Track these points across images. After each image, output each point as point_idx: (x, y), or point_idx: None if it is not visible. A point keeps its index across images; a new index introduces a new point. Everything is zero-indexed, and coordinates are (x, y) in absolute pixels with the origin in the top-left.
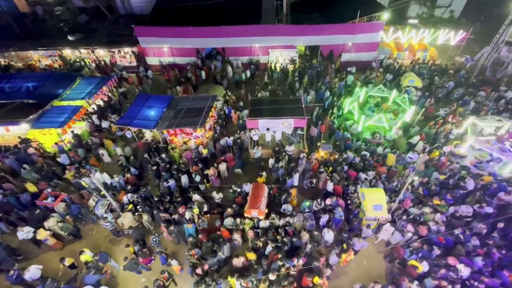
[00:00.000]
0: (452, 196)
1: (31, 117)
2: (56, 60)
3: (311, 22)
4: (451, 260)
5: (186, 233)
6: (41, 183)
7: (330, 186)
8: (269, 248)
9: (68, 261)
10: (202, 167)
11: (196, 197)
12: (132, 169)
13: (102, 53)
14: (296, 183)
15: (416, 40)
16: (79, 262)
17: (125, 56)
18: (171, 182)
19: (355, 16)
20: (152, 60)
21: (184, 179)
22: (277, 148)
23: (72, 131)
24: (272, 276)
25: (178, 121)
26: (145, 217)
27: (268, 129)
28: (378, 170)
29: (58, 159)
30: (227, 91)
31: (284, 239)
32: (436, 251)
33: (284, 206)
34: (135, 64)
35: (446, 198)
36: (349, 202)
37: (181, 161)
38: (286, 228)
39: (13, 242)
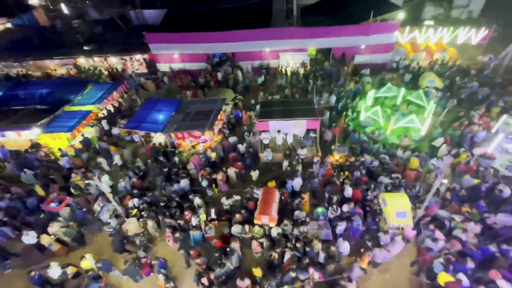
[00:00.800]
0: (486, 203)
1: (42, 121)
2: (71, 69)
3: (323, 24)
4: (493, 274)
5: (192, 240)
6: (53, 186)
7: (348, 191)
8: (286, 256)
9: (71, 270)
10: (210, 172)
11: (197, 200)
12: (131, 173)
13: (114, 61)
14: (297, 188)
15: (434, 39)
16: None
17: (142, 63)
18: (176, 186)
19: (368, 16)
20: (163, 67)
21: (184, 183)
22: (288, 152)
23: (83, 135)
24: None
25: (186, 124)
26: (150, 223)
27: (279, 131)
28: (407, 174)
29: (60, 162)
30: (237, 95)
31: (298, 245)
32: (470, 264)
33: (296, 213)
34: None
35: (479, 205)
36: (368, 209)
37: (187, 166)
38: (299, 237)
39: (18, 248)
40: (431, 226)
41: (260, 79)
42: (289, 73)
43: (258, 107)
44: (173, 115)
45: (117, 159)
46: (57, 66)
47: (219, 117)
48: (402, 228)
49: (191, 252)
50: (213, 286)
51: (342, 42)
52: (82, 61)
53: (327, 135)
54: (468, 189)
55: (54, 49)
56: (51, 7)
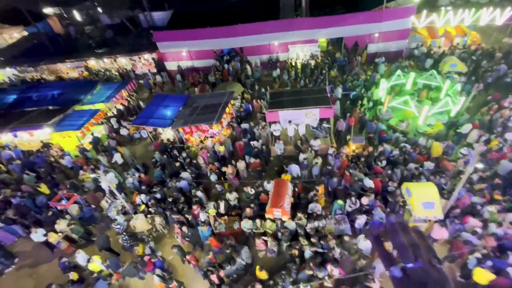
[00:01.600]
0: None
1: (52, 121)
2: (83, 72)
3: (333, 14)
4: None
5: (201, 237)
6: (62, 183)
7: (368, 182)
8: (307, 253)
9: (73, 276)
10: (219, 166)
11: (199, 194)
12: (132, 170)
13: (123, 62)
14: (294, 174)
15: (454, 22)
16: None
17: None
18: (183, 182)
19: (381, 2)
20: (171, 65)
21: (185, 175)
22: (299, 143)
23: (92, 134)
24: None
25: (193, 118)
26: (158, 219)
27: (290, 121)
28: (444, 165)
29: (62, 161)
30: (246, 89)
31: (314, 240)
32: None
33: (311, 206)
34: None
35: None
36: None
37: (194, 161)
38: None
39: (29, 247)
40: (467, 218)
41: (276, 72)
42: (299, 65)
43: (268, 95)
44: (181, 110)
45: (117, 157)
46: (69, 70)
47: (227, 110)
48: (430, 221)
49: (188, 256)
50: (223, 285)
51: (354, 31)
52: (92, 63)
53: (341, 125)
54: (507, 175)
55: (66, 54)
56: (65, 15)
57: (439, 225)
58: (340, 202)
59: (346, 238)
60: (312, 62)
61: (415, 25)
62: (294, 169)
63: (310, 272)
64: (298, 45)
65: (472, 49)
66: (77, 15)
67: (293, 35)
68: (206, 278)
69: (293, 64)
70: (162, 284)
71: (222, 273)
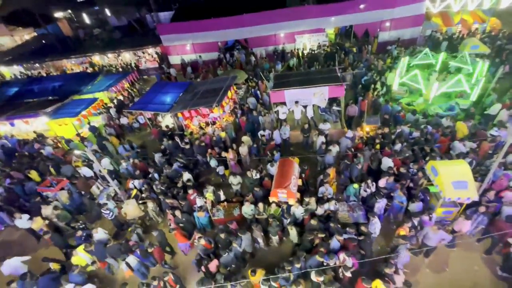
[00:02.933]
0: None
1: (49, 109)
2: (87, 68)
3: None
4: None
5: (197, 224)
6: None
7: (388, 162)
8: (334, 243)
9: (53, 266)
10: (220, 152)
11: (186, 175)
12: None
13: (128, 57)
14: (331, 160)
15: (472, 6)
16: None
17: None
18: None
19: None
20: (174, 59)
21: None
22: (306, 126)
23: (89, 123)
24: (314, 277)
25: (193, 102)
26: (151, 205)
27: (297, 102)
28: (482, 146)
29: (42, 151)
30: (250, 77)
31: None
32: None
33: (321, 189)
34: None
35: None
36: (411, 185)
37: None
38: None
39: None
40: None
41: (292, 61)
42: (302, 56)
43: (272, 76)
44: (181, 96)
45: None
46: (74, 66)
47: (229, 94)
48: (462, 205)
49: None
50: (218, 273)
51: (364, 18)
52: (97, 59)
53: (353, 111)
54: None
55: (72, 51)
56: (75, 18)
57: (463, 217)
58: (356, 186)
59: (363, 228)
60: (322, 52)
61: (429, 10)
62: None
63: (321, 259)
64: (305, 35)
65: (493, 34)
66: (86, 18)
67: (300, 24)
68: (198, 267)
69: (300, 54)
70: (129, 271)
71: (215, 262)
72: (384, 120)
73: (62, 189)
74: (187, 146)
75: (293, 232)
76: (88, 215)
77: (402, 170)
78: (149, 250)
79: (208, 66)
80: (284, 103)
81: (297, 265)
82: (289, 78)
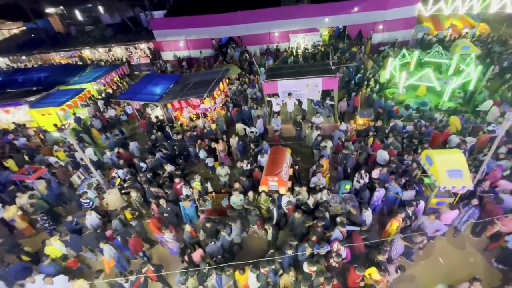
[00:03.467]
0: None
1: (32, 98)
2: (76, 62)
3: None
4: None
5: (183, 214)
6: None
7: (383, 155)
8: (336, 233)
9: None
10: (209, 143)
11: (169, 167)
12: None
13: (119, 52)
14: (328, 152)
15: (462, 10)
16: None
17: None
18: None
19: None
20: (167, 55)
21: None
22: (299, 119)
23: (74, 113)
24: (307, 267)
25: (183, 93)
26: (134, 194)
27: (289, 94)
28: (480, 138)
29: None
30: (243, 72)
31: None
32: None
33: (313, 180)
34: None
35: None
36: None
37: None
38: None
39: None
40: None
41: (290, 59)
42: (300, 55)
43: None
44: (171, 87)
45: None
46: (62, 59)
47: (221, 87)
48: (456, 195)
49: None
50: (202, 262)
51: (358, 19)
52: (87, 53)
53: (344, 106)
54: None
55: (61, 45)
56: (67, 15)
57: (448, 207)
58: (347, 187)
59: (353, 210)
60: (316, 51)
61: (421, 13)
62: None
63: (309, 250)
64: (299, 34)
65: (483, 38)
66: (79, 15)
67: (294, 23)
68: (182, 257)
69: (294, 53)
70: (111, 262)
71: (199, 252)
72: (378, 114)
73: (41, 178)
74: (179, 136)
75: (270, 231)
76: (67, 208)
77: (392, 158)
78: (126, 238)
79: (204, 62)
80: (277, 95)
81: (289, 252)
82: (282, 70)
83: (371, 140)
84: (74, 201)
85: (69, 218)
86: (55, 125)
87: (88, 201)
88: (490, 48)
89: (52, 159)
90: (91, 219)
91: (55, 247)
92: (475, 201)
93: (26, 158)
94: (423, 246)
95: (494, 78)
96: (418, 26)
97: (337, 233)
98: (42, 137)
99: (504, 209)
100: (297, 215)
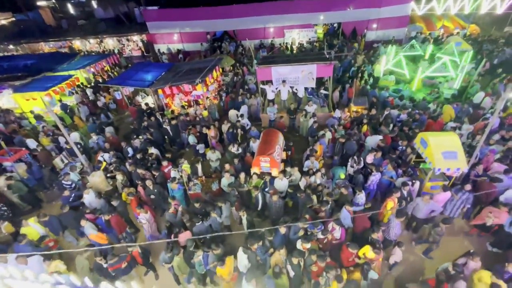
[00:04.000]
0: None
1: (17, 82)
2: (67, 52)
3: None
4: None
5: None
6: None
7: (372, 140)
8: (345, 213)
9: (5, 228)
10: (201, 129)
11: (154, 150)
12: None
13: (111, 43)
14: (325, 141)
15: (454, 10)
16: None
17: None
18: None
19: None
20: (161, 48)
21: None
22: (292, 107)
23: (60, 100)
24: (300, 245)
25: (175, 79)
26: (120, 177)
27: (284, 81)
28: (477, 125)
29: None
30: (237, 65)
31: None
32: None
33: (307, 163)
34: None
35: None
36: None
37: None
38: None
39: None
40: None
41: (287, 52)
42: (295, 50)
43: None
44: (163, 75)
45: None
46: (52, 50)
47: (214, 75)
48: (451, 179)
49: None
50: (189, 240)
51: (352, 16)
52: (77, 43)
53: (335, 96)
54: None
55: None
56: (58, 8)
57: (442, 188)
58: (342, 176)
59: (344, 191)
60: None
61: (414, 11)
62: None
63: (305, 225)
64: (294, 30)
65: (473, 37)
66: (71, 9)
67: (289, 18)
68: (168, 236)
69: (289, 48)
70: (100, 234)
71: (186, 234)
72: (372, 103)
73: (21, 161)
74: (173, 122)
75: (244, 220)
76: (48, 194)
77: (381, 143)
78: (106, 218)
79: (201, 56)
80: (271, 82)
81: (282, 231)
82: (275, 58)
83: (365, 128)
84: (56, 185)
85: (66, 192)
86: (31, 111)
87: (70, 183)
88: (481, 45)
89: (32, 143)
90: (89, 197)
91: (32, 228)
92: (468, 186)
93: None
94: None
95: (484, 75)
96: (411, 25)
97: (345, 212)
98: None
99: (499, 190)
100: (274, 198)
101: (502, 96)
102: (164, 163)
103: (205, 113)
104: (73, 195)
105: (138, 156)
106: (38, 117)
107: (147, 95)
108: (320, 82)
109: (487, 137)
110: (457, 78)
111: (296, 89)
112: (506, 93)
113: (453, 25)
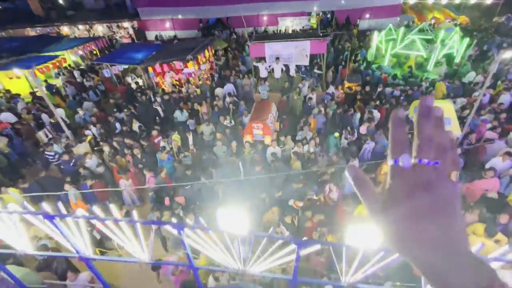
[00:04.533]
0: None
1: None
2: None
3: None
4: None
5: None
6: None
7: (376, 114)
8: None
9: None
10: (192, 106)
11: (137, 124)
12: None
13: (100, 30)
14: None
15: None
16: None
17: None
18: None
19: None
20: (152, 35)
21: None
22: (286, 85)
23: (46, 81)
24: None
25: (166, 56)
26: (107, 149)
27: (277, 58)
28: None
29: None
30: (230, 48)
31: None
32: None
33: (300, 133)
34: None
35: None
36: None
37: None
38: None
39: None
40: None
41: None
42: None
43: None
44: (154, 54)
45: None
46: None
47: (206, 55)
48: None
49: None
50: (175, 202)
51: (346, 4)
52: (65, 30)
53: (329, 76)
54: None
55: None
56: None
57: None
58: (336, 134)
59: (335, 159)
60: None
61: (407, 3)
62: None
63: (299, 185)
64: (288, 18)
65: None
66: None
67: (283, 5)
68: (156, 202)
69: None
70: (79, 203)
71: (182, 200)
72: (365, 82)
73: (1, 135)
74: (166, 97)
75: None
76: (31, 169)
77: (369, 115)
78: (89, 183)
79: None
80: (264, 59)
81: (278, 194)
82: (269, 36)
83: (358, 103)
84: (39, 160)
85: (66, 157)
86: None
87: (53, 153)
88: (471, 34)
89: (11, 117)
90: (92, 162)
91: (10, 196)
92: (458, 150)
93: None
94: None
95: (475, 60)
96: (402, 15)
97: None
98: None
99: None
100: (257, 168)
101: (496, 58)
102: (154, 132)
103: (198, 91)
104: (73, 159)
105: (125, 128)
106: (14, 96)
107: (137, 76)
108: (313, 62)
109: (477, 109)
110: (430, 57)
111: (288, 68)
112: (499, 56)
113: (443, 16)
